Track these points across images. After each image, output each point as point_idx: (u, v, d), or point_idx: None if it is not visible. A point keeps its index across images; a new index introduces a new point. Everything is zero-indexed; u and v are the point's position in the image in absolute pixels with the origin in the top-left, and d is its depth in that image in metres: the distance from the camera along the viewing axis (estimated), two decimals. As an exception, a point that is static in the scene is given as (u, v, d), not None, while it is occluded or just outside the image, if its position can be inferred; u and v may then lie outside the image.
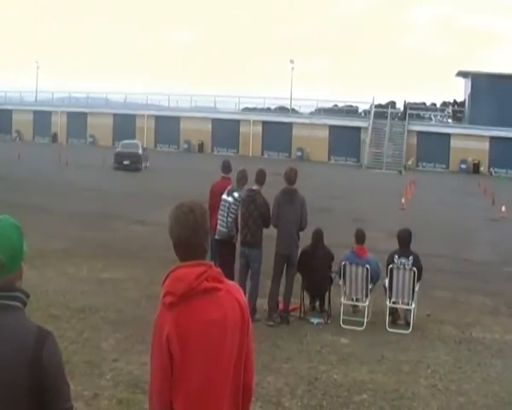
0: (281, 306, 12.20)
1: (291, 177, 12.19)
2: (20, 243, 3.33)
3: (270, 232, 12.45)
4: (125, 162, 47.09)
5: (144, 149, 51.47)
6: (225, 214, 12.36)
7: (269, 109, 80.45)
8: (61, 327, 10.35)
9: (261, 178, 12.43)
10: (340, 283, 12.40)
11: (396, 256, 12.33)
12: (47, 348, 3.22)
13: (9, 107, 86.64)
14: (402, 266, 12.12)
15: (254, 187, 12.31)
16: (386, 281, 12.31)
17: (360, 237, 12.81)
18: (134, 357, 9.74)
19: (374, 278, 12.42)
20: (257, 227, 12.06)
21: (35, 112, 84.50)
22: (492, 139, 62.50)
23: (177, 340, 3.55)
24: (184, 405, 3.59)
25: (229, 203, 12.40)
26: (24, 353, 3.16)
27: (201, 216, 3.76)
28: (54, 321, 10.57)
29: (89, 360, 9.42)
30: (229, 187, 12.82)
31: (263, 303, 12.25)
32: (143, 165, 48.38)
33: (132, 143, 52.97)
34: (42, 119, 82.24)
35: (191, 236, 3.69)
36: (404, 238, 12.54)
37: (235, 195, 12.47)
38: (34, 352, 3.17)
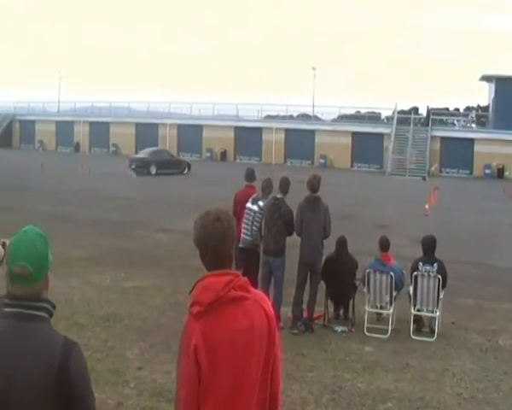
0: (305, 314, 12.16)
1: (314, 184, 12.15)
2: (46, 252, 3.35)
3: (293, 240, 12.42)
4: (133, 166, 49.94)
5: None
6: (250, 223, 12.32)
7: (291, 117, 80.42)
8: (85, 335, 10.40)
9: (285, 186, 12.39)
10: (365, 290, 12.33)
11: (420, 263, 12.24)
12: (73, 358, 3.23)
13: (32, 117, 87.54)
14: (426, 274, 12.02)
15: (278, 195, 12.28)
16: (411, 288, 12.21)
17: (384, 245, 12.74)
18: (158, 366, 9.75)
19: (398, 285, 12.34)
20: (281, 235, 12.02)
21: (58, 122, 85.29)
22: (517, 144, 61.89)
23: (204, 349, 3.53)
24: None
25: (255, 212, 12.36)
26: (50, 363, 3.17)
27: (228, 224, 3.74)
28: (78, 330, 10.63)
29: (113, 368, 9.44)
30: (253, 195, 12.79)
31: (287, 311, 12.21)
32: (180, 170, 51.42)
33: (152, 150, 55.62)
34: (64, 129, 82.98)
35: (218, 244, 3.67)
36: (429, 245, 12.46)
37: (260, 204, 12.43)
38: (61, 363, 3.18)
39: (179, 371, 3.65)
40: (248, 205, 12.51)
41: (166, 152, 56.75)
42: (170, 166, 51.17)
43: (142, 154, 54.04)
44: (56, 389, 3.15)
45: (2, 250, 4.42)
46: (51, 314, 3.34)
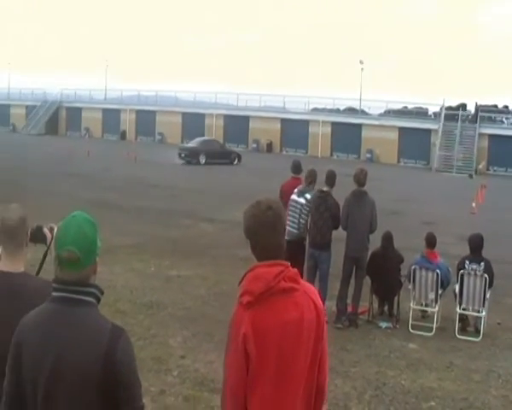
0: (349, 308, 12.09)
1: (361, 179, 12.06)
2: (95, 237, 3.37)
3: (339, 234, 12.35)
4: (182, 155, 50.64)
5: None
6: (297, 216, 12.21)
7: (338, 110, 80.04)
8: (128, 323, 10.43)
9: (331, 179, 12.31)
10: (410, 287, 12.22)
11: (467, 262, 12.09)
12: (121, 345, 3.24)
13: (79, 105, 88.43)
14: (473, 272, 11.87)
15: (325, 188, 12.21)
16: (457, 287, 12.06)
17: (431, 242, 12.59)
18: (201, 355, 9.79)
19: (444, 283, 12.20)
20: (327, 229, 11.95)
21: (104, 110, 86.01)
22: None
23: (253, 339, 3.52)
24: (259, 404, 3.57)
25: (302, 205, 12.25)
26: (98, 349, 3.19)
27: (279, 213, 3.72)
28: (121, 317, 10.66)
29: (156, 356, 9.49)
30: (299, 187, 12.71)
31: (331, 305, 12.15)
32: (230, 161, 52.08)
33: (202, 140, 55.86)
34: (111, 116, 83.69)
35: (270, 234, 3.65)
36: (476, 243, 12.29)
37: (308, 196, 12.35)
38: (108, 349, 3.19)
39: (227, 360, 3.64)
40: (294, 197, 12.40)
41: (217, 142, 57.02)
42: (219, 156, 51.48)
43: (192, 143, 54.27)
44: (102, 374, 3.16)
45: (49, 235, 4.43)
46: (99, 300, 3.35)
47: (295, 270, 3.72)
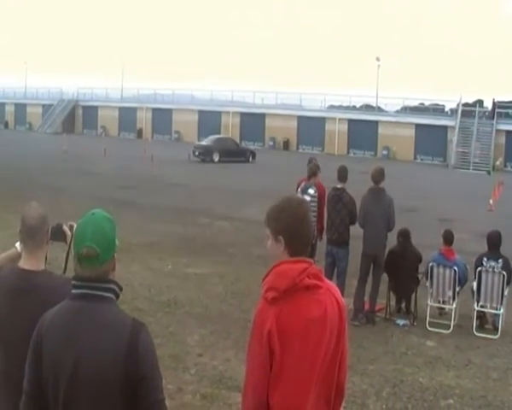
0: (366, 306, 12.08)
1: (378, 176, 12.03)
2: (113, 234, 3.40)
3: (356, 232, 12.33)
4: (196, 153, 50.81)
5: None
6: None
7: (354, 107, 79.87)
8: (145, 321, 10.28)
9: (344, 175, 12.31)
10: (427, 284, 12.19)
11: (485, 259, 12.05)
12: (142, 339, 3.27)
13: (95, 103, 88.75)
14: (491, 269, 11.82)
15: (339, 185, 12.20)
16: (474, 284, 12.02)
17: (448, 239, 12.54)
18: (218, 353, 9.80)
19: (461, 280, 12.16)
20: (344, 226, 11.96)
21: (120, 108, 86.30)
22: None
23: (277, 336, 3.52)
24: (281, 401, 3.57)
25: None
26: (120, 344, 3.21)
27: (308, 209, 3.80)
28: (139, 314, 10.61)
29: (173, 354, 9.50)
30: (301, 185, 12.72)
31: (348, 303, 12.12)
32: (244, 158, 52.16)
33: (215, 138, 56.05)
34: (127, 115, 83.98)
35: (303, 229, 3.68)
36: (494, 240, 12.24)
37: (311, 191, 12.38)
38: (130, 343, 3.22)
39: (250, 355, 3.63)
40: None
41: (231, 140, 56.82)
42: (233, 154, 51.48)
43: (206, 141, 54.23)
44: (124, 369, 3.18)
45: (70, 233, 4.47)
46: (118, 296, 3.37)
47: (319, 267, 3.75)
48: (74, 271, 3.34)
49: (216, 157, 50.44)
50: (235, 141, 56.95)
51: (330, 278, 11.65)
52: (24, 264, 4.10)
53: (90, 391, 3.18)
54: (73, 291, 3.31)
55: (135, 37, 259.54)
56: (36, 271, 4.08)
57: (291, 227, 3.66)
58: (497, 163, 60.49)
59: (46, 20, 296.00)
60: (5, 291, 4.02)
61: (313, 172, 12.79)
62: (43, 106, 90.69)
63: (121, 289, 3.40)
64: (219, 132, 67.39)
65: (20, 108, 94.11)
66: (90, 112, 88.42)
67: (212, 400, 8.19)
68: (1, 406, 4.12)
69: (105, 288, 3.31)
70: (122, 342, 3.20)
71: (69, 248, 4.45)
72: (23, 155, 44.78)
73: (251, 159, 52.58)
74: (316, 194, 12.54)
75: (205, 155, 50.57)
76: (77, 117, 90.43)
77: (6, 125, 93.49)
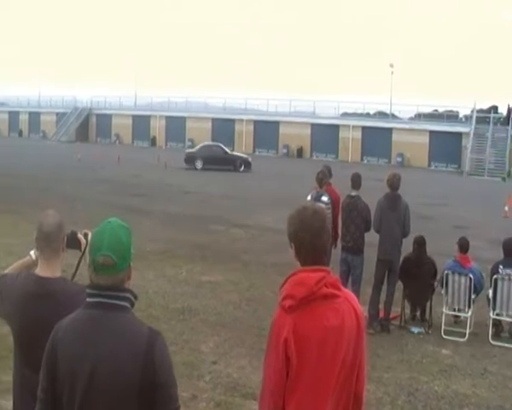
0: (381, 314, 12.02)
1: (394, 183, 11.99)
2: (130, 243, 3.38)
3: (371, 239, 12.29)
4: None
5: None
6: None
7: (368, 114, 79.85)
8: (160, 328, 10.33)
9: (357, 182, 12.31)
10: (442, 292, 12.12)
11: (501, 266, 11.97)
12: (158, 348, 3.26)
13: (109, 111, 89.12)
14: (507, 277, 11.73)
15: (353, 193, 12.18)
16: (490, 292, 11.93)
17: (464, 246, 12.46)
18: (233, 360, 9.78)
19: (477, 288, 12.07)
20: (359, 233, 11.94)
21: (134, 116, 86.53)
22: None
23: (294, 344, 3.51)
24: (297, 409, 3.55)
25: None
26: (136, 352, 3.20)
27: (324, 218, 3.74)
28: (153, 322, 10.66)
29: (188, 361, 9.48)
30: (312, 193, 12.71)
31: (363, 310, 12.05)
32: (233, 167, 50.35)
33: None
34: (141, 123, 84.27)
35: (315, 239, 3.65)
36: (510, 248, 12.17)
37: (324, 199, 12.35)
38: (146, 352, 3.21)
39: (267, 363, 3.65)
40: None
41: (218, 147, 54.33)
42: (220, 162, 50.35)
43: (194, 148, 54.61)
44: (141, 377, 3.17)
45: (84, 241, 4.47)
46: (133, 305, 3.36)
47: (337, 276, 3.75)
48: (89, 279, 3.32)
49: (199, 164, 49.83)
50: (223, 148, 54.15)
51: (345, 285, 11.63)
52: (40, 271, 4.12)
53: (105, 400, 3.17)
54: (89, 300, 3.30)
55: (148, 45, 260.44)
56: (52, 278, 4.09)
57: (299, 236, 3.67)
58: (512, 170, 60.19)
59: (60, 28, 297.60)
60: (22, 298, 4.04)
61: (319, 180, 12.75)
62: (57, 114, 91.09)
63: (136, 297, 3.38)
64: (233, 140, 67.41)
65: (34, 116, 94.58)
66: (104, 120, 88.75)
67: (226, 407, 8.17)
68: None
69: (121, 297, 3.29)
70: (138, 351, 3.19)
71: (82, 255, 4.46)
72: (37, 163, 44.96)
73: (242, 168, 50.22)
74: (329, 201, 12.50)
75: (188, 161, 50.31)
76: (91, 125, 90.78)
77: (20, 133, 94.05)
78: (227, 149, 54.32)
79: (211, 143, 59.67)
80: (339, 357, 3.58)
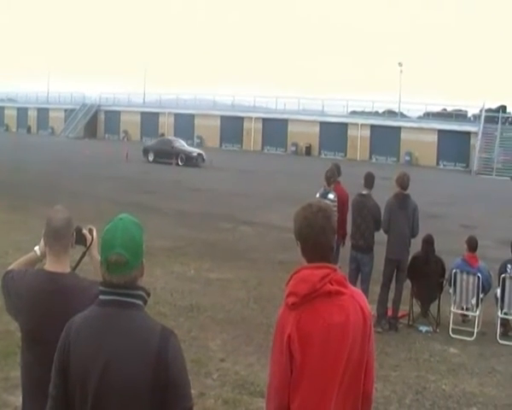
0: (389, 312, 12.03)
1: (404, 182, 11.98)
2: (142, 240, 3.36)
3: (380, 238, 12.29)
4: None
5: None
6: None
7: (376, 113, 79.73)
8: (168, 325, 10.23)
9: (370, 181, 12.29)
10: (450, 291, 12.12)
11: (509, 265, 11.95)
12: (171, 346, 3.25)
13: (118, 108, 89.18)
14: (515, 277, 11.73)
15: (364, 192, 12.17)
16: (498, 291, 11.93)
17: (472, 245, 12.44)
18: (241, 358, 9.78)
19: (485, 287, 12.06)
20: (369, 232, 11.94)
21: (143, 113, 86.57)
22: None
23: (297, 340, 3.53)
24: (302, 405, 3.57)
25: None
26: (149, 350, 3.19)
27: (329, 215, 3.73)
28: (161, 319, 10.58)
29: (196, 358, 9.46)
30: (320, 191, 12.71)
31: (371, 309, 12.04)
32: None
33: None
34: (149, 120, 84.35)
35: (321, 235, 3.65)
36: (518, 247, 12.16)
37: (331, 196, 12.34)
38: (159, 350, 3.19)
39: (272, 360, 3.67)
40: None
41: (169, 141, 55.80)
42: (165, 155, 51.52)
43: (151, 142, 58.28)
44: (154, 375, 3.16)
45: (89, 236, 4.48)
46: (146, 302, 3.36)
47: (343, 274, 3.73)
48: (102, 277, 3.32)
49: (151, 157, 52.58)
50: (172, 143, 55.16)
51: (354, 284, 11.64)
52: (50, 266, 4.12)
53: (118, 397, 3.16)
54: (101, 297, 3.29)
55: (157, 42, 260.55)
56: (63, 273, 4.10)
57: (304, 233, 3.68)
58: (521, 169, 60.01)
59: (68, 25, 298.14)
60: (33, 293, 4.03)
61: (327, 179, 12.75)
62: (66, 111, 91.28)
63: (149, 294, 3.37)
64: (241, 138, 67.38)
65: (43, 112, 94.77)
66: (113, 117, 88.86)
67: (234, 405, 8.17)
68: (29, 408, 4.14)
69: (133, 294, 3.28)
70: (151, 349, 3.19)
71: (86, 250, 4.48)
72: (45, 159, 45.02)
73: (181, 162, 50.76)
74: (335, 199, 12.48)
75: (144, 154, 53.31)
76: (99, 122, 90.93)
77: (29, 129, 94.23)
78: (184, 144, 55.86)
79: (170, 138, 61.13)
80: (343, 354, 3.58)
